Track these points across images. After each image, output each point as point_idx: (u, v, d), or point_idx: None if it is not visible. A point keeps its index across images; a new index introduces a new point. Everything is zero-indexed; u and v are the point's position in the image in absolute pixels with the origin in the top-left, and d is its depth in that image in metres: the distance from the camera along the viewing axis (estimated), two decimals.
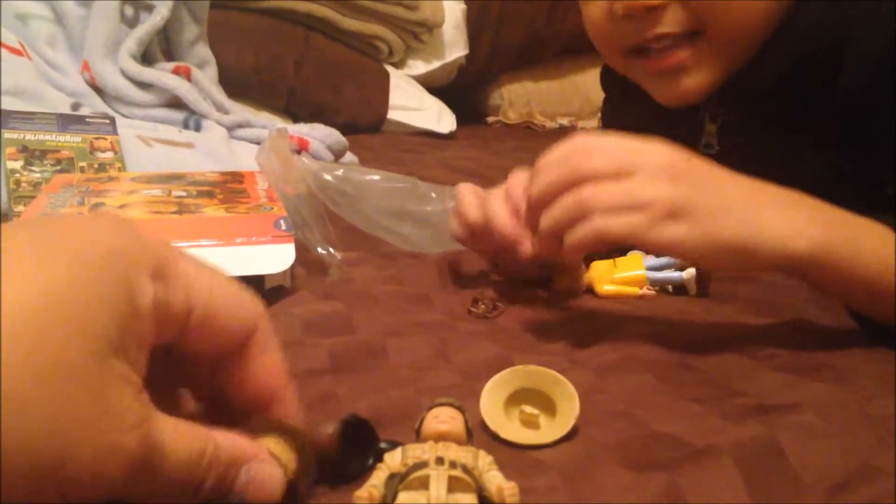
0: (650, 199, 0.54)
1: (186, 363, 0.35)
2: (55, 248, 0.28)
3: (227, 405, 0.36)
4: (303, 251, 0.77)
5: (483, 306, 0.68)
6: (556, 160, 0.58)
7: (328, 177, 0.89)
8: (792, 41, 0.70)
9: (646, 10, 0.69)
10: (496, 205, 0.66)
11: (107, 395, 0.27)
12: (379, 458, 0.36)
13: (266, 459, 0.33)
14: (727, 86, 0.73)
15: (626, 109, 0.94)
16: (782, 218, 0.55)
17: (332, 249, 0.80)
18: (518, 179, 0.66)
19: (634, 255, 0.76)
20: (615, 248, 0.65)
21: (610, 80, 0.99)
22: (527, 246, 0.64)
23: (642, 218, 0.54)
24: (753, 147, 0.79)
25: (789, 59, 0.71)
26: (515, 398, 0.46)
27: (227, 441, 0.32)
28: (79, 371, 0.26)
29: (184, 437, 0.30)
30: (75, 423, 0.26)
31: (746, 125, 0.79)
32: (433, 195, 0.88)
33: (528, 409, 0.45)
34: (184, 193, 0.84)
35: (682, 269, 0.73)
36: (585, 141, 0.58)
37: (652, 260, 0.75)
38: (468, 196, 0.70)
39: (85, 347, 0.27)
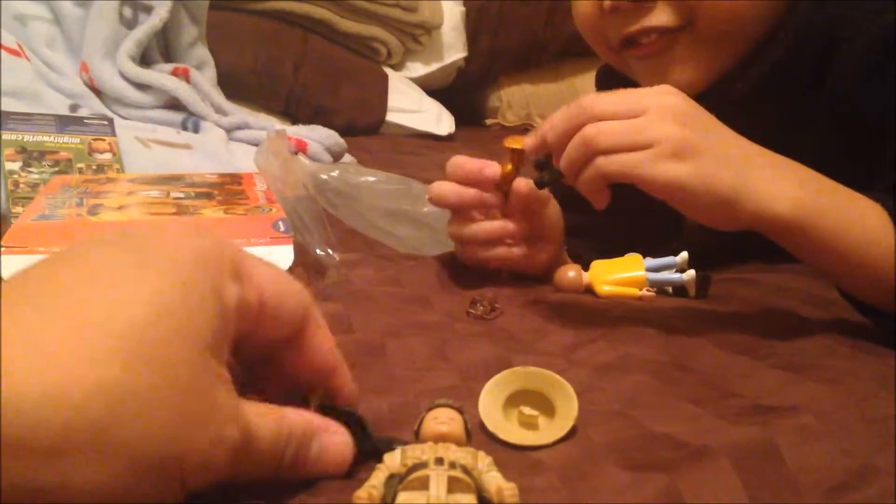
0: (657, 136, 0.55)
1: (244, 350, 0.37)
2: (151, 259, 0.31)
3: (282, 384, 0.39)
4: (301, 253, 0.77)
5: (482, 307, 0.68)
6: (569, 107, 0.59)
7: (325, 178, 0.89)
8: (781, 44, 0.71)
9: (633, 5, 0.70)
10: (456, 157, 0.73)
11: (211, 393, 0.30)
12: (373, 455, 0.38)
13: (335, 430, 0.37)
14: (717, 86, 0.74)
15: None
16: (771, 178, 0.57)
17: (330, 251, 0.80)
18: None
19: (633, 257, 0.76)
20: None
21: (605, 82, 1.00)
22: (491, 168, 0.71)
23: (646, 154, 0.55)
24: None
25: (778, 61, 0.72)
26: (514, 399, 0.46)
27: (297, 416, 0.35)
28: (189, 375, 0.29)
29: (266, 420, 0.33)
30: (190, 421, 0.29)
31: (741, 126, 0.79)
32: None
33: (527, 410, 0.45)
34: (182, 195, 0.84)
35: (681, 270, 0.74)
36: (595, 93, 0.60)
37: (651, 261, 0.74)
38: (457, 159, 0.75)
39: (192, 353, 0.30)
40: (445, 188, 0.72)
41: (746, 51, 0.73)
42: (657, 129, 0.55)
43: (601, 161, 0.56)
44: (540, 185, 0.66)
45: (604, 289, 0.74)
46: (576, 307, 0.70)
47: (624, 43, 0.75)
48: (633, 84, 0.80)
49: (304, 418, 0.36)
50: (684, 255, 0.74)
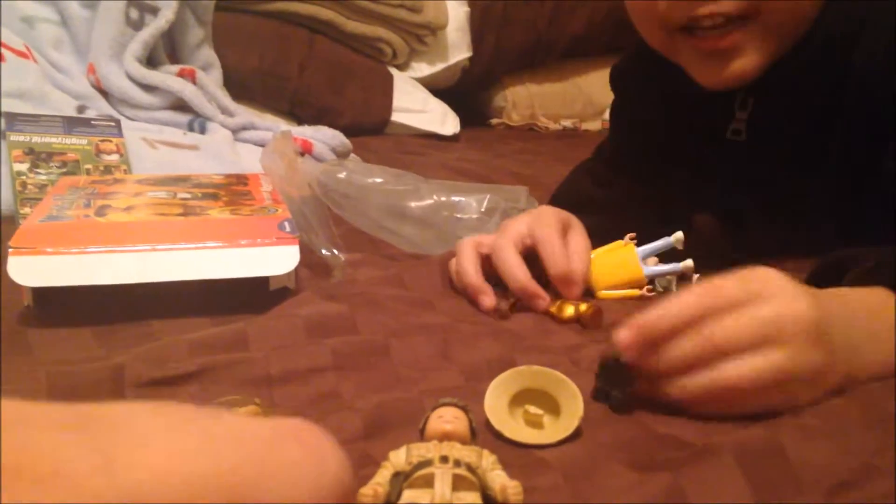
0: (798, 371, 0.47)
1: None
2: None
3: None
4: (307, 253, 0.77)
5: (504, 304, 0.69)
6: (690, 336, 0.48)
7: (331, 179, 0.89)
8: (821, 30, 0.71)
9: None
10: (513, 264, 0.70)
11: None
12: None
13: None
14: (766, 72, 0.72)
15: (642, 106, 0.94)
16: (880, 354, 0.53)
17: (335, 251, 0.81)
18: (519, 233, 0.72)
19: (626, 249, 0.76)
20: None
21: (623, 78, 0.98)
22: (544, 302, 0.69)
23: (777, 356, 0.47)
24: (780, 141, 0.79)
25: (818, 48, 0.71)
26: (519, 398, 0.46)
27: None
28: None
29: None
30: None
31: (776, 117, 0.79)
32: (435, 197, 0.89)
33: (533, 409, 0.46)
34: (189, 195, 0.85)
35: (677, 260, 0.74)
36: (718, 318, 0.48)
37: (646, 247, 0.75)
38: (465, 255, 0.73)
39: None
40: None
41: (793, 44, 0.72)
42: (798, 364, 0.47)
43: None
44: (605, 400, 0.50)
45: (603, 292, 0.74)
46: None
47: (683, 29, 0.72)
48: (654, 80, 0.81)
49: None
50: (679, 235, 0.73)
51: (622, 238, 0.77)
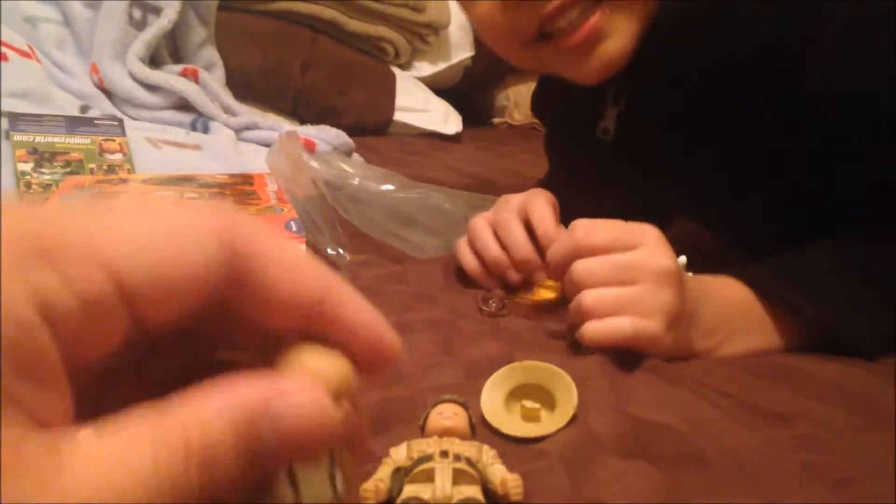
0: (651, 307, 0.56)
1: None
2: None
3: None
4: (313, 253, 0.77)
5: (494, 304, 0.69)
6: (562, 242, 0.61)
7: (339, 182, 0.90)
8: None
9: None
10: (519, 235, 0.71)
11: None
12: None
13: (295, 388, 0.23)
14: (631, 62, 0.68)
15: (549, 98, 0.95)
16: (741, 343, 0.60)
17: (341, 251, 0.81)
18: (536, 207, 0.72)
19: None
20: None
21: (539, 105, 1.01)
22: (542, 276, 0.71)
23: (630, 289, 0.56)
24: (650, 138, 0.78)
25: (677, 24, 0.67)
26: (516, 394, 0.47)
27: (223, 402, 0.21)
28: None
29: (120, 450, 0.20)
30: None
31: (646, 113, 0.77)
32: (447, 206, 0.89)
33: (529, 403, 0.46)
34: (195, 195, 0.85)
35: None
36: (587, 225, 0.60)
37: None
38: (486, 234, 0.73)
39: None
40: (476, 270, 0.75)
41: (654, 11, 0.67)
42: (651, 300, 0.56)
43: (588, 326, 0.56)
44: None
45: None
46: None
47: (539, 37, 0.67)
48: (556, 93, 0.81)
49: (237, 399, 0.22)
50: (682, 259, 0.73)
51: None
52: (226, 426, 0.21)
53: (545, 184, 0.99)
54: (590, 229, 0.58)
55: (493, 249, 0.72)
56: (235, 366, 0.24)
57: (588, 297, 0.56)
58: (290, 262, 0.25)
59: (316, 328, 0.25)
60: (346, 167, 0.92)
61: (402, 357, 0.27)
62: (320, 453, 0.24)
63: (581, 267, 0.57)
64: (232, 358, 0.26)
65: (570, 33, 0.65)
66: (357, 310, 0.26)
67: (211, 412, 0.21)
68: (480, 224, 0.75)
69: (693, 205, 0.84)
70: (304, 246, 0.72)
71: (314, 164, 0.91)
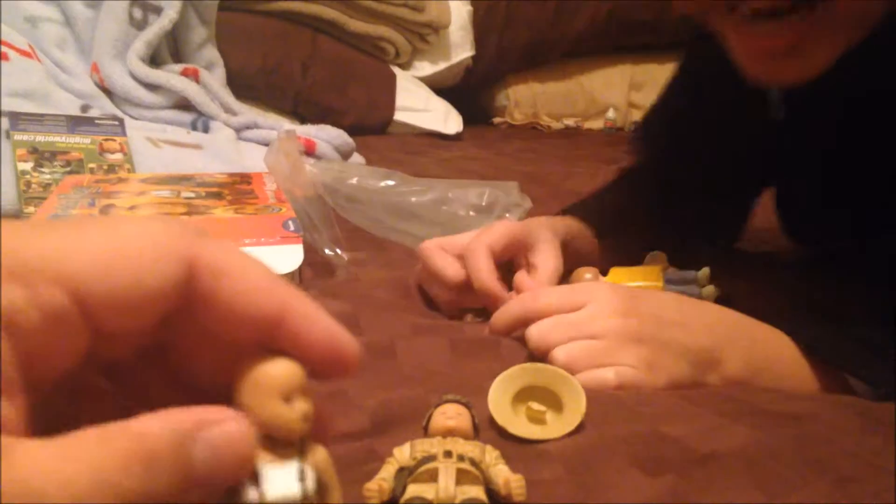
0: (600, 330, 0.56)
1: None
2: None
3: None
4: (310, 252, 0.77)
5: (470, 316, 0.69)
6: (510, 305, 0.62)
7: (337, 183, 0.90)
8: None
9: None
10: (481, 267, 0.68)
11: None
12: None
13: (222, 418, 0.24)
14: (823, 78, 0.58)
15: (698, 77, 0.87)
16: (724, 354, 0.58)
17: (339, 251, 0.81)
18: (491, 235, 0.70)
19: (653, 268, 0.75)
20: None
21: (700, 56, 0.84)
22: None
23: (595, 344, 0.55)
24: (822, 121, 0.72)
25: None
26: (523, 395, 0.47)
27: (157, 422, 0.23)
28: None
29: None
30: None
31: (816, 95, 0.69)
32: (449, 196, 0.89)
33: (536, 405, 0.46)
34: (193, 195, 0.85)
35: (701, 286, 0.72)
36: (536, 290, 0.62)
37: (671, 273, 0.74)
38: (441, 258, 0.71)
39: None
40: (445, 296, 0.73)
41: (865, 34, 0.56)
42: (600, 324, 0.56)
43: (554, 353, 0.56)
44: None
45: None
46: None
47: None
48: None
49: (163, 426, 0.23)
50: (706, 270, 0.72)
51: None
52: (163, 440, 0.22)
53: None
54: (535, 293, 0.60)
55: (451, 274, 0.70)
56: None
57: (560, 355, 0.55)
58: (250, 281, 0.26)
59: (277, 341, 0.26)
60: (342, 169, 0.92)
61: (358, 363, 0.28)
62: (245, 474, 0.24)
63: (536, 331, 0.57)
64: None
65: (760, 35, 0.55)
66: (315, 323, 0.27)
67: (152, 427, 0.22)
68: (430, 250, 0.73)
69: (820, 220, 0.79)
70: (301, 246, 0.72)
71: (311, 167, 0.91)
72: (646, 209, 0.87)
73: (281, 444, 0.25)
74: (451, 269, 0.69)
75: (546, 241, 0.72)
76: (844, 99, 0.69)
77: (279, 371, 0.25)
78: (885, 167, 0.68)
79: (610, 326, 0.55)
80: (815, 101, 0.72)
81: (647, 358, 0.55)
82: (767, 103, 0.76)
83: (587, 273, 0.73)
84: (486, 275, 0.67)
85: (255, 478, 0.24)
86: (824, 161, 0.75)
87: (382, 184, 0.90)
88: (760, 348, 0.59)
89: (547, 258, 0.70)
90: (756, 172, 0.86)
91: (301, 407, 0.25)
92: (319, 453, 0.26)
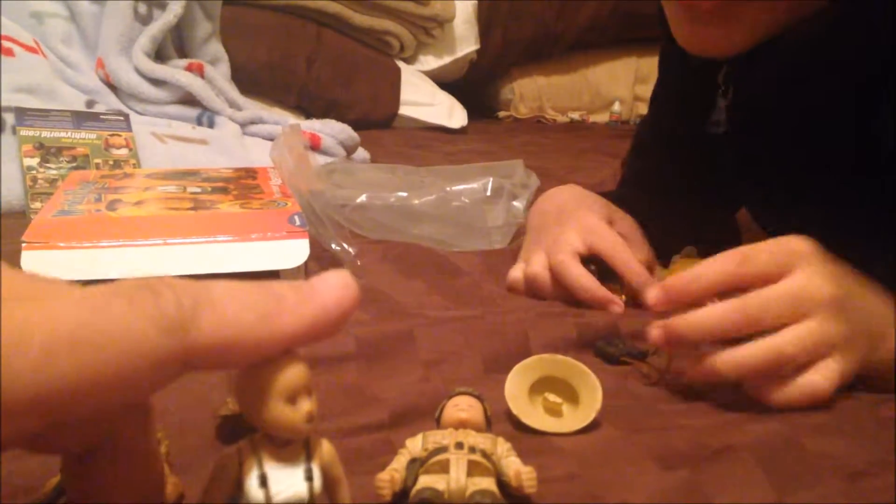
0: (818, 303, 0.49)
1: None
2: None
3: None
4: (316, 247, 0.77)
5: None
6: (710, 267, 0.52)
7: (349, 202, 0.90)
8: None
9: None
10: (580, 276, 0.67)
11: None
12: None
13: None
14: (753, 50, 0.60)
15: (668, 76, 0.88)
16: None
17: (345, 245, 0.81)
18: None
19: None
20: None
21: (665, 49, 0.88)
22: (618, 305, 0.66)
23: (814, 326, 0.49)
24: (765, 133, 0.72)
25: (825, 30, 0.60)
26: (540, 386, 0.47)
27: None
28: None
29: None
30: None
31: (761, 105, 0.71)
32: (453, 189, 0.89)
33: (552, 397, 0.46)
34: (199, 189, 0.85)
35: None
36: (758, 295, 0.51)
37: None
38: (542, 274, 0.70)
39: None
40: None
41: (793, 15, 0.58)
42: (816, 295, 0.49)
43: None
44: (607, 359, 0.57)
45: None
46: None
47: None
48: None
49: None
50: None
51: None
52: None
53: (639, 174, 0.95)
54: (739, 254, 0.51)
55: (548, 291, 0.69)
56: None
57: (789, 345, 0.48)
58: (243, 337, 0.24)
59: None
60: (349, 182, 0.92)
61: (356, 302, 0.26)
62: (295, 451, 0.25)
63: (754, 303, 0.49)
64: None
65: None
66: (303, 321, 0.25)
67: None
68: (539, 273, 0.71)
69: (786, 213, 0.77)
70: (307, 240, 0.72)
71: (325, 196, 0.90)
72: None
73: (286, 442, 0.25)
74: (596, 290, 0.68)
75: (619, 218, 0.73)
76: (787, 101, 0.68)
77: (283, 373, 0.24)
78: (841, 160, 0.67)
79: (823, 298, 0.49)
80: (757, 109, 0.72)
81: (847, 337, 0.49)
82: (715, 115, 0.77)
83: (677, 257, 0.74)
84: (589, 282, 0.67)
85: (261, 478, 0.24)
86: (774, 165, 0.74)
87: (393, 197, 0.90)
88: None
89: (629, 227, 0.71)
90: (720, 186, 0.85)
91: (306, 407, 0.24)
92: (325, 448, 0.26)
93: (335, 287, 0.26)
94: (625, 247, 0.69)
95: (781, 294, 0.49)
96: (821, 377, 0.48)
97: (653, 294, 0.51)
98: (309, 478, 0.25)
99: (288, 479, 0.24)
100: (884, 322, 0.52)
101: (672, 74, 0.84)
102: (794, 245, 0.51)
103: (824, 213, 0.71)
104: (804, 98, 0.67)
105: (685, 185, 0.87)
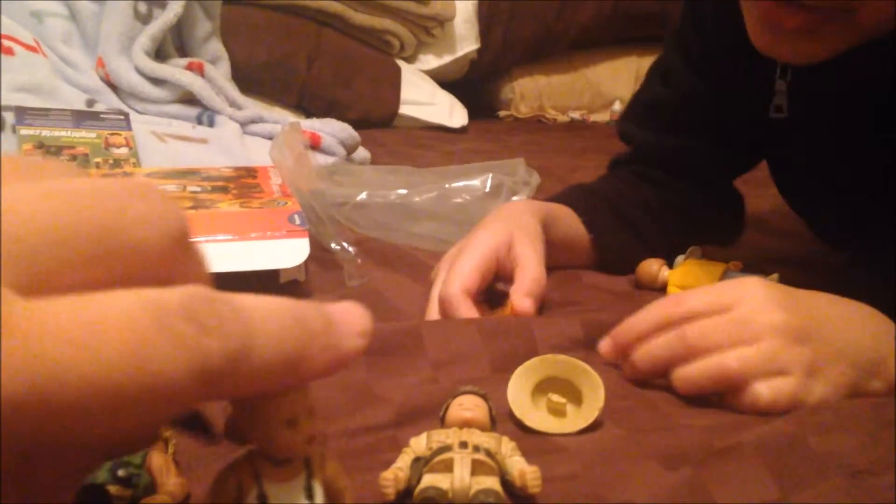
0: (763, 327, 0.50)
1: None
2: None
3: None
4: (316, 246, 0.77)
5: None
6: (654, 310, 0.54)
7: (349, 200, 0.89)
8: None
9: None
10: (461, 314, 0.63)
11: None
12: None
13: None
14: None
15: (701, 37, 0.83)
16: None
17: (346, 244, 0.81)
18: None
19: (716, 267, 0.74)
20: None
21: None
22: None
23: (763, 346, 0.50)
24: (828, 117, 0.71)
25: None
26: (543, 387, 0.46)
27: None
28: None
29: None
30: None
31: (823, 90, 0.69)
32: (467, 196, 0.89)
33: (556, 397, 0.46)
34: (198, 189, 0.85)
35: None
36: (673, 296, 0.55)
37: (737, 275, 0.72)
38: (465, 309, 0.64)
39: None
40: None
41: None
42: (763, 321, 0.50)
43: (718, 359, 0.50)
44: None
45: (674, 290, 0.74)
46: (613, 307, 0.70)
47: None
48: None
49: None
50: (775, 276, 0.69)
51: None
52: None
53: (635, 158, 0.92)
54: (678, 298, 0.54)
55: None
56: None
57: (733, 361, 0.49)
58: (270, 387, 0.23)
59: None
60: (349, 185, 0.92)
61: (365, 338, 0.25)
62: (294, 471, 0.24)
63: (694, 331, 0.51)
64: None
65: (781, 10, 0.56)
66: (325, 369, 0.24)
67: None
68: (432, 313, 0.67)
69: (840, 212, 0.77)
70: (307, 240, 0.71)
71: (324, 195, 0.90)
72: (636, 198, 0.87)
73: (286, 460, 0.24)
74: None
75: (523, 247, 0.67)
76: (849, 95, 0.68)
77: (284, 398, 0.24)
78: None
79: (773, 323, 0.50)
80: (819, 98, 0.70)
81: (809, 360, 0.50)
82: (770, 99, 0.74)
83: (654, 265, 0.75)
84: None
85: (261, 498, 0.24)
86: (831, 158, 0.73)
87: (393, 195, 0.90)
88: None
89: (525, 266, 0.66)
90: (747, 159, 0.85)
91: (306, 430, 0.24)
92: (327, 464, 0.26)
93: (358, 336, 0.24)
94: (464, 303, 0.64)
95: (726, 321, 0.51)
96: (766, 388, 0.49)
97: (604, 344, 0.55)
98: (309, 496, 0.24)
99: (287, 498, 0.24)
100: (878, 353, 0.52)
101: (711, 35, 0.80)
102: (744, 284, 0.53)
103: (866, 207, 0.71)
104: (865, 92, 0.67)
105: (692, 155, 0.85)
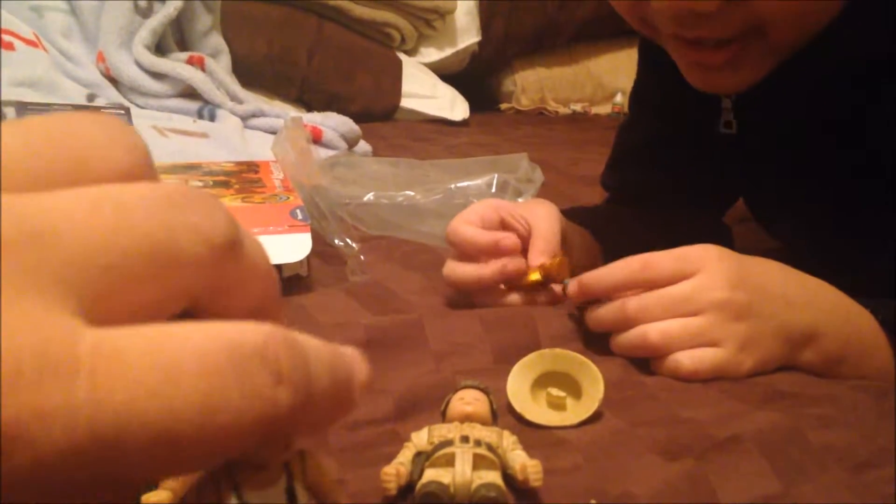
0: (707, 304, 0.53)
1: None
2: None
3: None
4: (318, 241, 0.77)
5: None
6: (618, 268, 0.57)
7: (359, 208, 0.89)
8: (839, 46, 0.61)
9: (695, 16, 0.57)
10: (466, 230, 0.65)
11: None
12: None
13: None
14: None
15: (653, 79, 0.87)
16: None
17: (348, 240, 0.81)
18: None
19: None
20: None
21: (645, 46, 0.88)
22: (509, 238, 0.64)
23: (695, 321, 0.53)
24: (776, 129, 0.73)
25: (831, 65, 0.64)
26: (542, 381, 0.47)
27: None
28: None
29: None
30: None
31: (768, 103, 0.71)
32: (470, 196, 0.89)
33: (555, 391, 0.46)
34: (200, 183, 0.85)
35: None
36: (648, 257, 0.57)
37: None
38: (469, 230, 0.66)
39: None
40: (463, 274, 0.66)
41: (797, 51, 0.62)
42: (705, 298, 0.53)
43: (646, 329, 0.54)
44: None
45: None
46: None
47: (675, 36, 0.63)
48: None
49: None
50: None
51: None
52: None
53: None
54: (645, 259, 0.56)
55: (477, 239, 0.65)
56: None
57: (654, 334, 0.53)
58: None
59: None
60: (352, 180, 0.92)
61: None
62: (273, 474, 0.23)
63: (633, 304, 0.54)
64: None
65: (703, 50, 0.61)
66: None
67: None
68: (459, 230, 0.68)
69: (792, 220, 0.79)
70: (309, 235, 0.71)
71: (327, 191, 0.89)
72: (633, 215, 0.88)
73: (264, 465, 0.24)
74: (479, 236, 0.65)
75: (528, 209, 0.69)
76: (796, 102, 0.70)
77: None
78: (847, 161, 0.68)
79: (714, 301, 0.53)
80: (764, 111, 0.73)
81: (744, 335, 0.53)
82: (719, 117, 0.77)
83: None
84: (474, 232, 0.64)
85: (236, 497, 0.23)
86: (783, 168, 0.75)
87: (400, 196, 0.90)
88: (854, 323, 0.57)
89: (536, 227, 0.67)
90: (720, 185, 0.86)
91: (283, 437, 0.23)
92: (309, 463, 0.25)
93: (360, 387, 0.23)
94: (539, 222, 0.67)
95: (671, 294, 0.54)
96: (687, 357, 0.52)
97: (571, 286, 0.59)
98: (292, 500, 0.24)
99: (265, 501, 0.23)
100: (814, 327, 0.55)
101: (660, 76, 0.83)
102: (699, 252, 0.55)
103: (823, 212, 0.72)
104: (808, 100, 0.69)
105: (673, 189, 0.87)
